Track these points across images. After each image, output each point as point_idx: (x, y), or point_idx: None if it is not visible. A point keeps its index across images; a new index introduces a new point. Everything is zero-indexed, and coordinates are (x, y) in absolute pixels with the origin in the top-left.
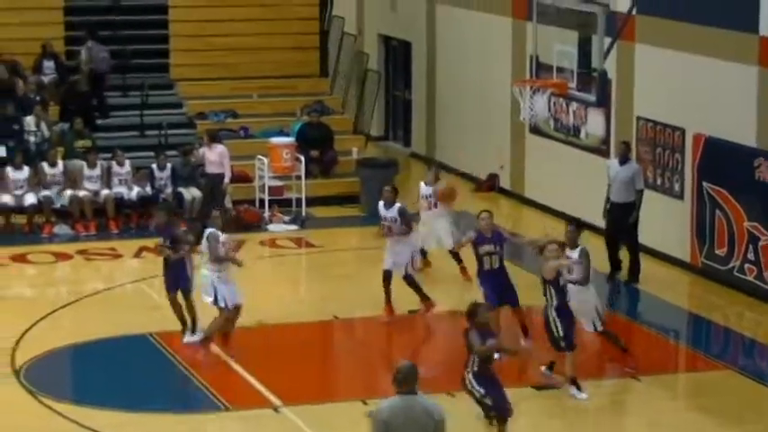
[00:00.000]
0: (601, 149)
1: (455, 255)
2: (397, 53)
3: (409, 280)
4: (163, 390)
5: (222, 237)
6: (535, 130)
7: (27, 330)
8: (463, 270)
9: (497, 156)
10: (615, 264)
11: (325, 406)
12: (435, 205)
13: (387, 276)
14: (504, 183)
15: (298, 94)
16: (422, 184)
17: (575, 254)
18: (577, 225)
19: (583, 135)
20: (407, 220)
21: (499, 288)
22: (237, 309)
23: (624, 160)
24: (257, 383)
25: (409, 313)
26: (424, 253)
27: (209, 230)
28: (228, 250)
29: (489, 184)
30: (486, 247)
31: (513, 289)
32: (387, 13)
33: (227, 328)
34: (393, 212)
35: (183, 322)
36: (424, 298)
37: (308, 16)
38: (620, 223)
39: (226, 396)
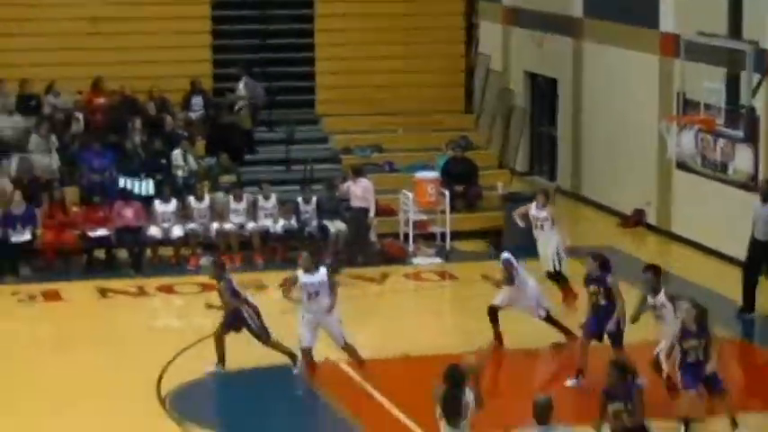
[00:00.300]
0: (748, 185)
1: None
2: (543, 90)
3: (548, 320)
4: (306, 420)
5: (305, 277)
6: (682, 166)
7: (173, 360)
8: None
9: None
10: (749, 302)
11: None
12: (543, 227)
13: (490, 311)
14: (651, 218)
15: (442, 129)
16: (533, 206)
17: (659, 299)
18: (656, 273)
19: (730, 171)
20: (507, 273)
21: (602, 321)
22: (347, 348)
23: (766, 198)
24: (402, 415)
25: (553, 346)
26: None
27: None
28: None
29: (635, 220)
30: (592, 287)
31: (616, 325)
32: (533, 51)
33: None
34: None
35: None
36: (568, 333)
37: (454, 53)
38: (761, 261)
39: (370, 428)
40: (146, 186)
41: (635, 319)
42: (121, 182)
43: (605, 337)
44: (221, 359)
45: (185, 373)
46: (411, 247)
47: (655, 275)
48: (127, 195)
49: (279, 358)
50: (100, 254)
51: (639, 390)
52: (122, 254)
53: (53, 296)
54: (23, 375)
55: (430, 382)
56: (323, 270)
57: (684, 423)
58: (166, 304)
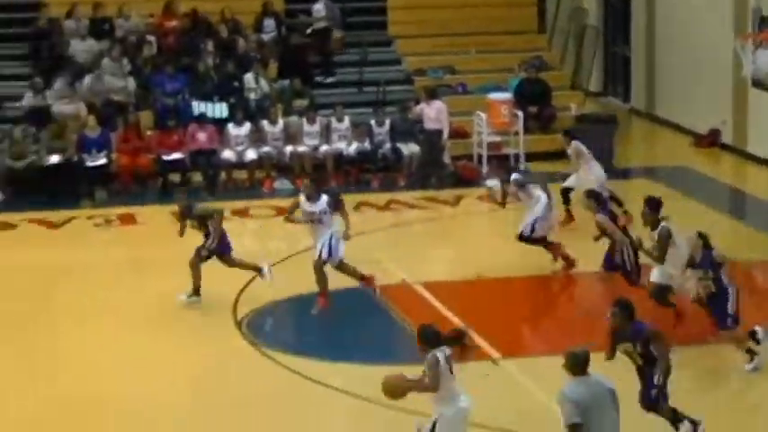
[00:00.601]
0: None
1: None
2: (616, 8)
3: (526, 239)
4: (382, 341)
5: (307, 204)
6: (758, 84)
7: (248, 283)
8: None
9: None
10: None
11: (543, 359)
12: None
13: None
14: (726, 138)
15: (515, 50)
16: None
17: (656, 234)
18: (651, 207)
19: None
20: (521, 193)
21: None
22: (316, 266)
23: None
24: (476, 336)
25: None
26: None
27: None
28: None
29: (710, 140)
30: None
31: (620, 261)
32: None
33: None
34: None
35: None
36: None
37: None
38: None
39: None
40: (219, 109)
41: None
42: (195, 105)
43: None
44: (257, 267)
45: (260, 296)
46: (485, 170)
47: (650, 210)
48: (200, 119)
49: (356, 281)
50: (174, 178)
51: (656, 331)
52: (197, 177)
53: (129, 220)
54: (99, 298)
55: (502, 303)
56: (324, 198)
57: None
58: (241, 227)
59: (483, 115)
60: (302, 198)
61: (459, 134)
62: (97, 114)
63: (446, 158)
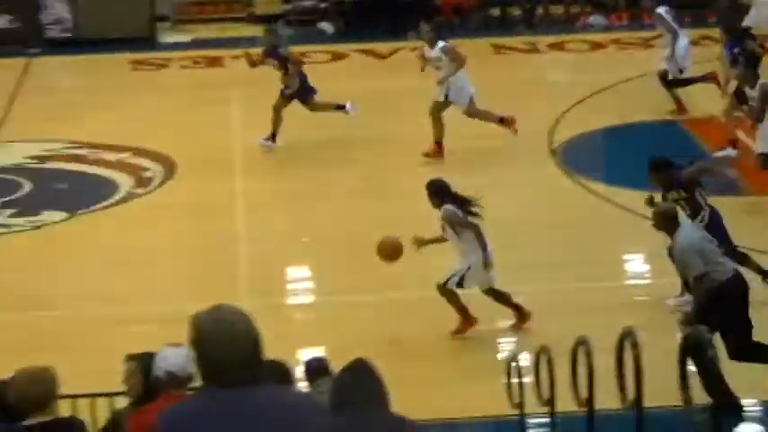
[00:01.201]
0: None
1: None
2: None
3: (676, 82)
4: None
5: (426, 50)
6: None
7: (563, 114)
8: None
9: None
10: None
11: None
12: None
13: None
14: None
15: None
16: None
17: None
18: (749, 63)
19: None
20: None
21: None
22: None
23: None
24: None
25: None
26: None
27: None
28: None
29: None
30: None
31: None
32: None
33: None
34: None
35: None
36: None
37: None
38: None
39: (756, 185)
40: None
41: None
42: None
43: None
44: (340, 105)
45: (575, 126)
46: None
47: (748, 67)
48: None
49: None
50: (494, 12)
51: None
52: (515, 11)
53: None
54: (418, 125)
55: None
56: (440, 44)
57: None
58: (557, 61)
59: None
60: (425, 46)
61: None
62: None
63: None
